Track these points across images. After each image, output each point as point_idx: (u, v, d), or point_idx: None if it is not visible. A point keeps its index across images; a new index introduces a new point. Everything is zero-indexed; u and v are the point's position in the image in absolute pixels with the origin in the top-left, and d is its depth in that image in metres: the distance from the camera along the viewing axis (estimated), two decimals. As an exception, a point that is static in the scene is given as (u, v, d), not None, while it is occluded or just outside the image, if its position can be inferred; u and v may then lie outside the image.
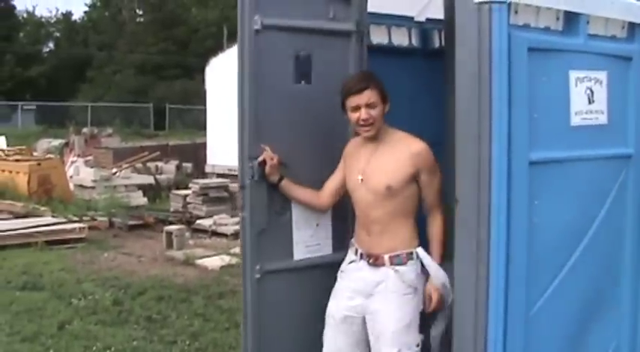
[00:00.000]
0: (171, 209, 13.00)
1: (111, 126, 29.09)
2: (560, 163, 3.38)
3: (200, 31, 45.48)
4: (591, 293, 3.60)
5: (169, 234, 9.95)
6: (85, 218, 11.60)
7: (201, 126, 22.30)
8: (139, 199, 13.85)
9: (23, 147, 19.62)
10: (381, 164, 3.46)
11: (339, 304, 3.62)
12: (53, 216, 11.53)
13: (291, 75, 3.77)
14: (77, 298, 7.12)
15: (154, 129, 35.37)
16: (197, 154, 19.22)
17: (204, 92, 19.85)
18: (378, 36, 4.52)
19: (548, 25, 3.35)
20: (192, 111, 34.46)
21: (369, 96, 3.41)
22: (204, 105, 20.08)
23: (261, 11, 3.58)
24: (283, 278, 3.79)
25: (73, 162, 16.84)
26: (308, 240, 3.85)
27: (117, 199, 12.87)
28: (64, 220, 11.16)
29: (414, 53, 4.74)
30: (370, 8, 4.03)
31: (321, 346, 3.71)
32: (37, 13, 55.51)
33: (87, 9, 51.49)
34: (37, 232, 10.07)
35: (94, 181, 14.18)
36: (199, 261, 9.03)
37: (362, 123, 3.44)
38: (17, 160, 15.22)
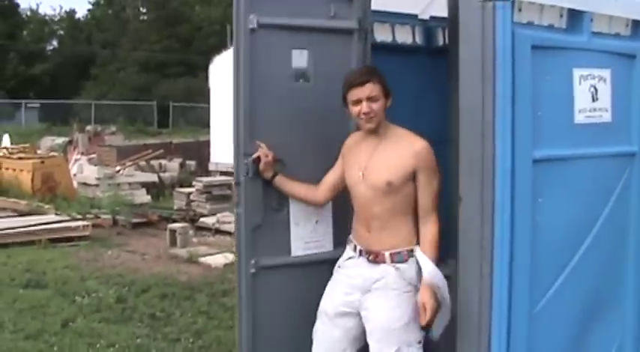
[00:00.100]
0: (175, 207, 12.99)
1: (114, 124, 29.19)
2: (563, 161, 3.39)
3: (203, 29, 45.46)
4: (595, 291, 3.60)
5: (173, 231, 9.95)
6: (88, 216, 11.59)
7: (205, 124, 22.31)
8: (143, 197, 13.86)
9: (27, 145, 19.60)
10: (383, 160, 3.44)
11: (336, 299, 3.60)
12: (57, 214, 11.53)
13: (289, 73, 3.79)
14: (81, 296, 7.12)
15: (158, 127, 35.37)
16: (201, 152, 19.22)
17: (208, 90, 19.85)
18: (382, 34, 4.53)
19: (551, 23, 3.35)
20: (195, 109, 34.48)
21: (370, 89, 3.39)
22: (208, 103, 20.08)
23: (257, 10, 3.61)
24: (280, 273, 3.80)
25: (76, 160, 16.87)
26: (307, 237, 3.86)
27: (120, 197, 12.88)
28: (67, 218, 11.15)
29: (417, 51, 4.74)
30: (374, 6, 4.02)
31: None
32: (41, 11, 55.54)
33: (90, 7, 51.50)
34: (41, 230, 10.07)
35: (98, 179, 14.18)
36: (203, 259, 9.03)
37: (363, 116, 3.42)
38: (21, 158, 15.21)
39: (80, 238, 10.17)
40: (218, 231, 10.95)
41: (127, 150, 18.53)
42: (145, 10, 49.50)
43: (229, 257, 8.83)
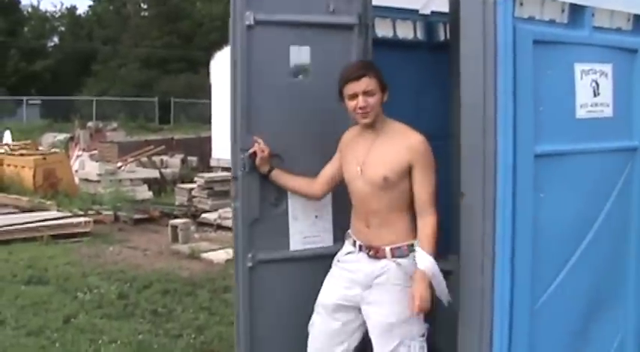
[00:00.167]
0: (177, 203, 13.01)
1: (116, 120, 29.17)
2: (565, 156, 3.38)
3: (205, 25, 45.41)
4: (596, 286, 3.60)
5: (175, 227, 9.95)
6: (90, 212, 11.61)
7: (206, 120, 22.28)
8: (145, 193, 13.87)
9: (28, 141, 19.64)
10: (380, 155, 3.43)
11: (335, 293, 3.60)
12: (58, 210, 11.55)
13: (288, 69, 3.81)
14: (83, 292, 7.13)
15: (159, 123, 35.39)
16: (202, 148, 19.22)
17: (209, 86, 19.85)
18: (383, 29, 4.52)
19: (553, 18, 3.35)
20: (196, 105, 34.46)
21: (367, 83, 3.37)
22: (209, 98, 20.06)
23: (254, 7, 3.64)
24: (278, 267, 3.83)
25: (78, 156, 16.86)
26: (306, 231, 3.88)
27: (122, 193, 12.89)
28: (69, 214, 11.17)
29: (419, 46, 4.73)
30: (375, 1, 4.01)
31: None
32: (42, 7, 55.88)
33: (91, 3, 51.56)
34: (43, 226, 10.07)
35: (100, 175, 14.19)
36: (205, 255, 9.03)
37: (359, 111, 3.41)
38: (22, 155, 15.23)
39: (82, 234, 10.18)
40: (220, 227, 10.96)
41: (128, 146, 18.51)
42: (145, 6, 49.46)
43: (231, 252, 8.72)
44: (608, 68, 3.54)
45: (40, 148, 18.42)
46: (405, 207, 3.43)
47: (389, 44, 4.46)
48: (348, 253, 3.61)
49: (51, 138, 22.03)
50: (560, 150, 3.34)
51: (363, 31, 3.88)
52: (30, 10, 49.23)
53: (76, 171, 15.17)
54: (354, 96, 3.39)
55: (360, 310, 3.56)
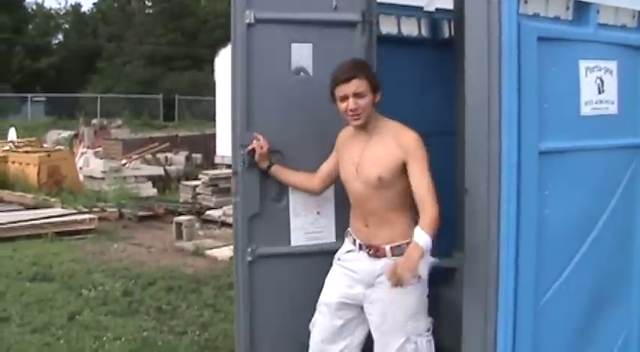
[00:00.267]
0: (181, 200, 13.01)
1: (120, 117, 29.18)
2: (570, 153, 3.37)
3: (209, 22, 45.39)
4: (600, 283, 3.60)
5: (179, 224, 9.96)
6: (94, 209, 11.62)
7: (211, 117, 22.33)
8: (149, 190, 13.86)
9: (33, 138, 19.67)
10: (373, 155, 3.41)
11: (337, 291, 3.60)
12: (63, 207, 11.57)
13: (289, 67, 3.81)
14: (87, 289, 7.14)
15: (164, 120, 35.40)
16: (206, 145, 19.25)
17: (214, 83, 19.89)
18: (388, 26, 4.52)
19: (557, 15, 3.34)
20: (201, 102, 34.49)
21: (357, 85, 3.33)
22: (214, 96, 20.09)
23: (254, 5, 3.66)
24: (279, 263, 3.85)
25: (82, 154, 16.89)
26: (308, 227, 3.89)
27: (126, 190, 12.89)
28: (73, 211, 11.18)
29: (423, 43, 4.73)
30: (379, -2, 4.02)
31: None
32: (46, 4, 56.06)
33: (96, 0, 51.58)
34: (47, 223, 10.09)
35: (104, 172, 14.20)
36: (209, 252, 9.04)
37: (350, 113, 3.38)
38: (27, 152, 15.25)
39: (86, 231, 10.20)
40: (224, 224, 10.94)
41: (132, 143, 18.55)
42: (150, 4, 49.47)
43: (235, 250, 8.82)
44: (613, 65, 3.53)
45: (45, 145, 18.45)
46: (403, 206, 3.41)
47: (393, 41, 4.47)
48: (349, 251, 3.61)
49: (55, 136, 22.08)
50: (565, 147, 3.34)
51: (366, 28, 3.86)
52: (34, 7, 49.38)
53: (81, 168, 15.20)
54: (345, 98, 3.36)
55: (362, 308, 3.56)
